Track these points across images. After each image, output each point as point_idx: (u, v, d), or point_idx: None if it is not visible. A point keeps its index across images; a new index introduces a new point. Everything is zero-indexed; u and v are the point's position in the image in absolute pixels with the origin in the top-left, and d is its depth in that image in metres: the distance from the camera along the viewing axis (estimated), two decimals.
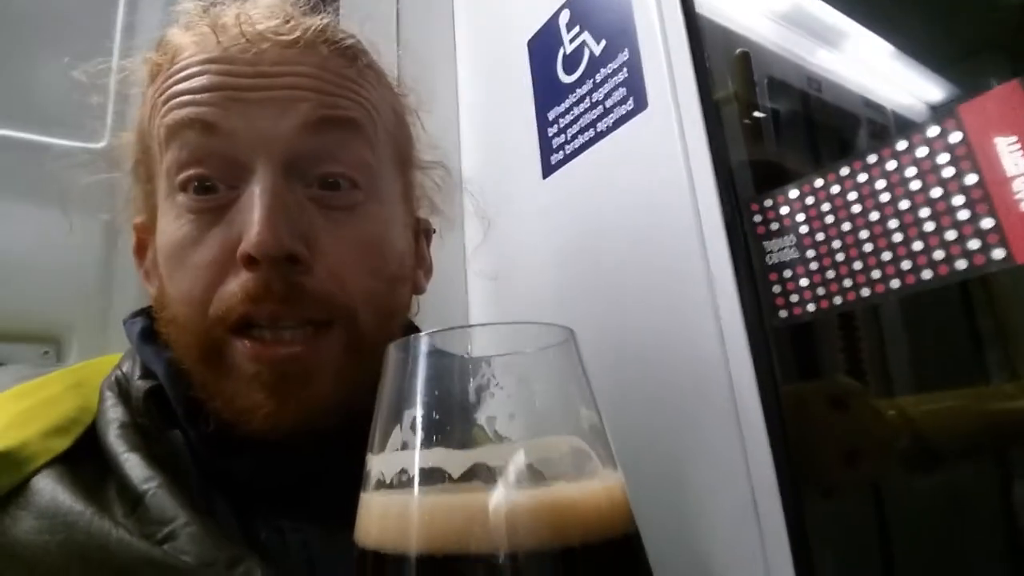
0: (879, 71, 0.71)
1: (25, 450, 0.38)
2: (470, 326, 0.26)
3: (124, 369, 0.47)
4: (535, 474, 0.23)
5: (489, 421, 0.23)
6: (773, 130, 0.68)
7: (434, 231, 0.58)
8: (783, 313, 0.52)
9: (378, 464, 0.24)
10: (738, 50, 0.73)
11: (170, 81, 0.43)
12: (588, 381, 0.27)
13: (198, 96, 0.42)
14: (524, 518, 0.21)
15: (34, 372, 0.47)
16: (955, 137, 0.44)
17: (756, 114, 0.67)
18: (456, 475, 0.22)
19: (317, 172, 0.43)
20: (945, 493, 0.51)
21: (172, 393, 0.43)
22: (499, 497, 0.21)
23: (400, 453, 0.23)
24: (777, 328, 0.53)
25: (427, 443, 0.23)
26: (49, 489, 0.37)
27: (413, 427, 0.23)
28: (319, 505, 0.43)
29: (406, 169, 0.52)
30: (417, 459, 0.23)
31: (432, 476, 0.22)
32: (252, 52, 0.43)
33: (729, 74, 0.67)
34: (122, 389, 0.45)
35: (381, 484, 0.24)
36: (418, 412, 0.23)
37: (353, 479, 0.41)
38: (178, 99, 0.42)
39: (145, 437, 0.42)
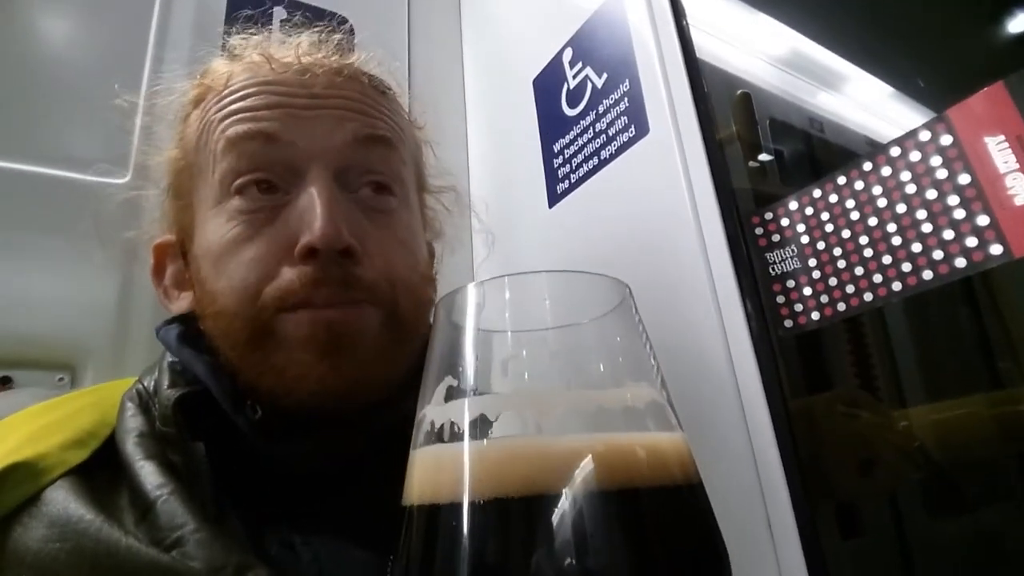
0: (880, 112, 0.72)
1: (42, 462, 0.39)
2: (519, 274, 0.25)
3: (146, 382, 0.48)
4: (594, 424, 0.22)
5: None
6: (777, 168, 0.70)
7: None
8: (788, 323, 0.53)
9: (431, 415, 0.24)
10: (739, 91, 0.75)
11: (226, 100, 0.48)
12: (645, 343, 0.26)
13: (259, 112, 0.47)
14: (588, 461, 0.21)
15: (49, 394, 0.48)
16: (946, 140, 0.45)
17: (762, 157, 0.68)
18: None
19: (362, 180, 0.48)
20: (961, 498, 0.49)
21: (216, 387, 0.45)
22: (562, 443, 0.21)
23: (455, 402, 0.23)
24: (784, 338, 0.53)
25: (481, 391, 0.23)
26: (61, 499, 0.37)
27: (463, 377, 0.23)
28: (330, 521, 0.43)
29: (421, 191, 0.57)
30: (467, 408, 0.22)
31: (485, 425, 0.22)
32: (306, 77, 0.48)
33: (731, 114, 0.69)
34: (143, 401, 0.46)
35: (433, 436, 0.23)
36: (468, 364, 0.23)
37: (368, 493, 0.42)
38: (239, 115, 0.47)
39: (163, 446, 0.42)
